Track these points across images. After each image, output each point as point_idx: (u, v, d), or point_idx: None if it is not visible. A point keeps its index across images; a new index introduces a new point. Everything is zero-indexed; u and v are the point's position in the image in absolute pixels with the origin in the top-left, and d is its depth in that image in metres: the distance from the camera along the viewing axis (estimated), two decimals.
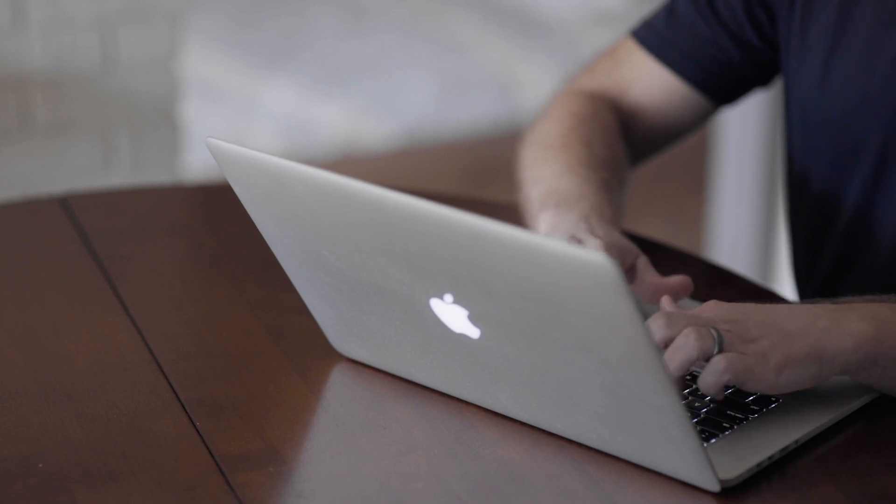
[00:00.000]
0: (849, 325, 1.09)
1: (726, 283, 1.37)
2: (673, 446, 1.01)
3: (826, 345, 1.08)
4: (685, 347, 1.06)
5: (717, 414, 1.09)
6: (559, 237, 1.23)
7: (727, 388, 1.11)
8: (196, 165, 3.06)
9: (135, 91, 2.60)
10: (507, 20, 4.63)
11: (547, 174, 1.34)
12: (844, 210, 1.38)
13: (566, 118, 1.43)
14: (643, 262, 1.22)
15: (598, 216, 1.26)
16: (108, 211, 1.55)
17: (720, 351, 1.06)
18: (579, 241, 1.21)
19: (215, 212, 1.59)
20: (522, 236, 0.95)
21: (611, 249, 1.20)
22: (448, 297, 1.04)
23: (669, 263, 1.37)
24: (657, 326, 1.08)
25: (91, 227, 1.47)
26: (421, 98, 4.11)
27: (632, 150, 1.47)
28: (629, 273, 1.22)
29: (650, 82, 1.46)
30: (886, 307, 1.11)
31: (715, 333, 1.06)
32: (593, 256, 0.92)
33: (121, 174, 2.61)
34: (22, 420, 1.12)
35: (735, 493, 1.03)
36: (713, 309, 1.10)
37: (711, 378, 1.06)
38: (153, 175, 2.63)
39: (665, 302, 1.14)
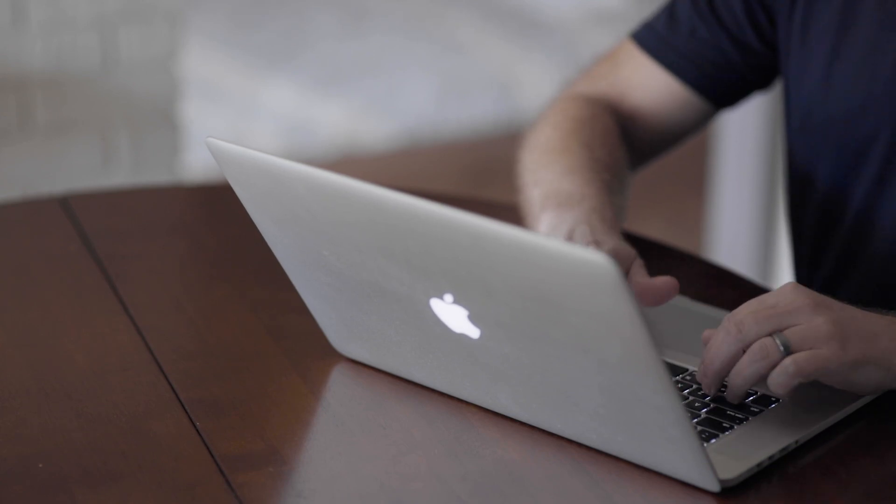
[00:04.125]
0: None
1: (726, 283, 1.37)
2: (673, 446, 1.01)
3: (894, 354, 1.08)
4: (752, 365, 1.07)
5: (717, 414, 1.09)
6: (558, 237, 1.23)
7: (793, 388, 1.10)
8: (196, 165, 3.06)
9: (135, 91, 2.60)
10: (507, 20, 4.63)
11: (548, 176, 1.34)
12: (848, 211, 1.38)
13: (566, 122, 1.42)
14: (636, 266, 1.22)
15: (599, 218, 1.25)
16: (108, 211, 1.55)
17: (787, 353, 1.06)
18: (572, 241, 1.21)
19: (215, 212, 1.59)
20: (522, 236, 0.95)
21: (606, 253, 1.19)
22: (448, 297, 1.04)
23: (669, 264, 1.37)
24: (730, 340, 1.08)
25: (91, 227, 1.47)
26: (421, 98, 4.11)
27: (633, 154, 1.47)
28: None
29: (650, 85, 1.46)
30: None
31: (779, 341, 1.06)
32: (593, 256, 0.92)
33: (121, 174, 2.61)
34: (22, 420, 1.12)
35: (735, 493, 1.03)
36: (790, 294, 1.09)
37: (782, 379, 1.06)
38: (153, 175, 2.63)
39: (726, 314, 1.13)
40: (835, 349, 1.06)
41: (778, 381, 1.06)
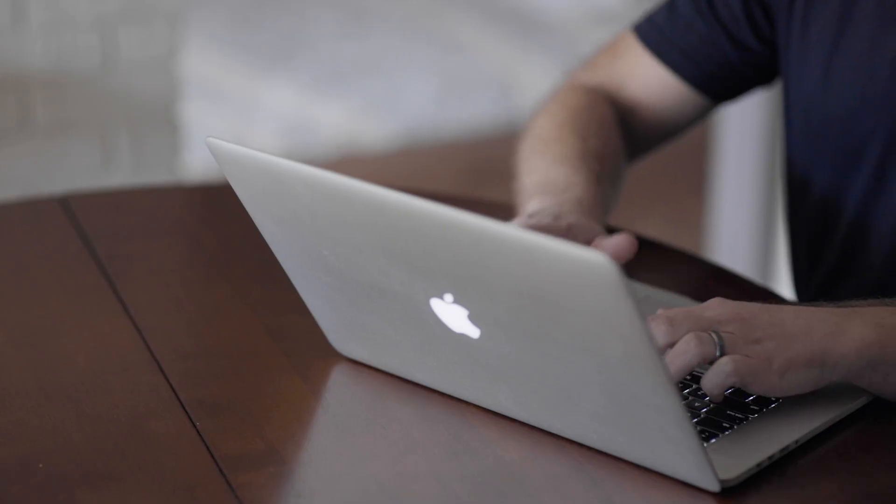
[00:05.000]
0: (852, 330, 1.08)
1: (726, 283, 1.37)
2: (673, 446, 1.01)
3: (829, 349, 1.07)
4: (686, 353, 1.06)
5: (717, 414, 1.09)
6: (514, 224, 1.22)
7: (727, 389, 1.10)
8: (196, 165, 3.06)
9: (135, 91, 2.60)
10: (507, 20, 4.63)
11: (540, 165, 1.35)
12: (846, 210, 1.38)
13: (561, 111, 1.43)
14: (598, 238, 1.22)
15: (576, 205, 1.26)
16: (108, 211, 1.55)
17: (722, 354, 1.06)
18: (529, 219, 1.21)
19: (215, 212, 1.59)
20: (522, 236, 0.95)
21: (553, 228, 1.19)
22: (448, 297, 1.04)
23: (669, 263, 1.37)
24: (660, 332, 1.07)
25: (91, 227, 1.47)
26: (421, 98, 4.11)
27: (630, 145, 1.47)
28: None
29: (648, 79, 1.46)
30: (889, 312, 1.10)
31: (716, 337, 1.06)
32: (593, 256, 0.92)
33: (121, 174, 2.61)
34: (22, 420, 1.12)
35: (735, 493, 1.03)
36: (718, 307, 1.09)
37: (717, 379, 1.06)
38: (153, 175, 2.63)
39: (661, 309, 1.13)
40: (760, 359, 1.06)
41: (714, 381, 1.06)
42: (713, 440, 1.07)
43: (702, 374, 1.12)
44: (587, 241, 1.21)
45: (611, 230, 1.30)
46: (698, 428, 1.08)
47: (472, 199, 1.50)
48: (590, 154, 1.36)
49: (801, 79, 1.38)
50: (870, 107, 1.33)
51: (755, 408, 1.10)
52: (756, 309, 1.09)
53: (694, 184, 3.43)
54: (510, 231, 0.95)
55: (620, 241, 1.19)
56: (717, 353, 1.06)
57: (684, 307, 1.10)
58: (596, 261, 0.92)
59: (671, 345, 1.07)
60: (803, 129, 1.40)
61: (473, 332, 1.05)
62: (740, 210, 2.93)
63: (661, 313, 1.09)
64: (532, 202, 1.28)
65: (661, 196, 3.54)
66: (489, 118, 4.05)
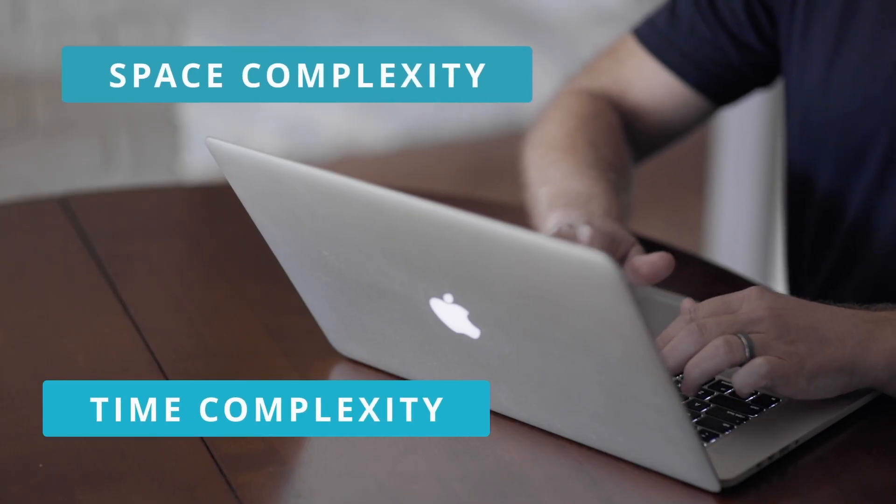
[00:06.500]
0: (884, 340, 1.08)
1: (726, 282, 1.37)
2: (673, 446, 1.01)
3: (860, 357, 1.08)
4: (714, 358, 1.05)
5: (717, 414, 1.09)
6: (553, 231, 1.22)
7: (758, 389, 1.09)
8: (196, 165, 3.06)
9: None
10: (507, 20, 4.63)
11: (556, 175, 1.34)
12: (847, 211, 1.38)
13: (570, 119, 1.42)
14: (635, 250, 1.21)
15: (604, 217, 1.25)
16: (108, 211, 1.55)
17: (751, 356, 1.06)
18: (570, 228, 1.19)
19: (215, 212, 1.59)
20: (522, 236, 0.95)
21: (599, 237, 1.18)
22: (448, 297, 1.04)
23: None
24: (690, 339, 1.07)
25: (91, 227, 1.47)
26: None
27: (633, 150, 1.47)
28: (622, 263, 1.21)
29: (651, 83, 1.46)
30: None
31: (745, 341, 1.06)
32: (593, 256, 0.92)
33: (121, 174, 2.61)
34: (22, 420, 1.12)
35: (735, 493, 1.03)
36: (755, 301, 1.08)
37: (750, 379, 1.05)
38: (153, 175, 2.63)
39: (687, 303, 1.12)
40: (792, 361, 1.06)
41: (745, 381, 1.05)
42: (713, 440, 1.07)
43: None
44: (625, 253, 1.20)
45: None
46: (698, 428, 1.08)
47: (472, 199, 1.50)
48: (604, 164, 1.35)
49: (802, 80, 1.38)
50: (871, 108, 1.33)
51: (755, 408, 1.10)
52: (794, 306, 1.09)
53: (694, 184, 3.43)
54: (510, 231, 0.95)
55: (657, 261, 1.17)
56: (746, 355, 1.06)
57: (719, 297, 1.10)
58: (596, 261, 0.92)
59: (700, 349, 1.07)
60: (804, 130, 1.40)
61: (473, 332, 1.05)
62: (740, 210, 2.93)
63: (693, 317, 1.08)
64: (554, 214, 1.27)
65: (661, 197, 3.54)
66: (489, 118, 4.05)
